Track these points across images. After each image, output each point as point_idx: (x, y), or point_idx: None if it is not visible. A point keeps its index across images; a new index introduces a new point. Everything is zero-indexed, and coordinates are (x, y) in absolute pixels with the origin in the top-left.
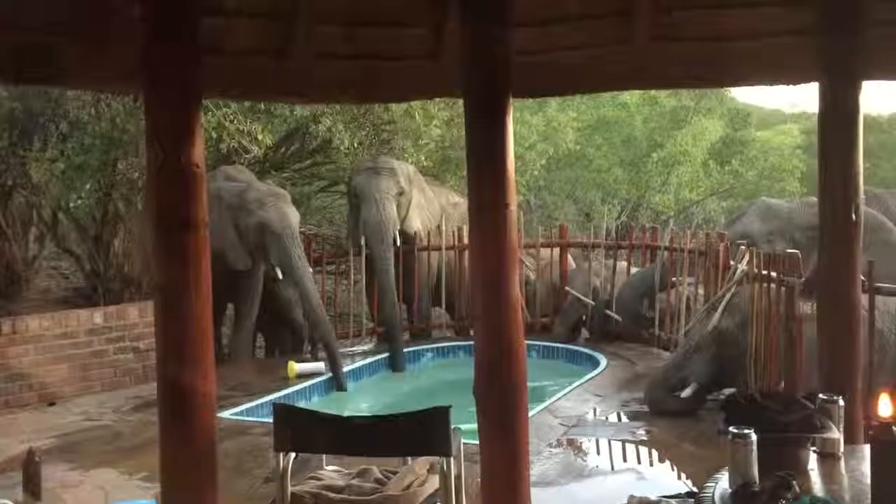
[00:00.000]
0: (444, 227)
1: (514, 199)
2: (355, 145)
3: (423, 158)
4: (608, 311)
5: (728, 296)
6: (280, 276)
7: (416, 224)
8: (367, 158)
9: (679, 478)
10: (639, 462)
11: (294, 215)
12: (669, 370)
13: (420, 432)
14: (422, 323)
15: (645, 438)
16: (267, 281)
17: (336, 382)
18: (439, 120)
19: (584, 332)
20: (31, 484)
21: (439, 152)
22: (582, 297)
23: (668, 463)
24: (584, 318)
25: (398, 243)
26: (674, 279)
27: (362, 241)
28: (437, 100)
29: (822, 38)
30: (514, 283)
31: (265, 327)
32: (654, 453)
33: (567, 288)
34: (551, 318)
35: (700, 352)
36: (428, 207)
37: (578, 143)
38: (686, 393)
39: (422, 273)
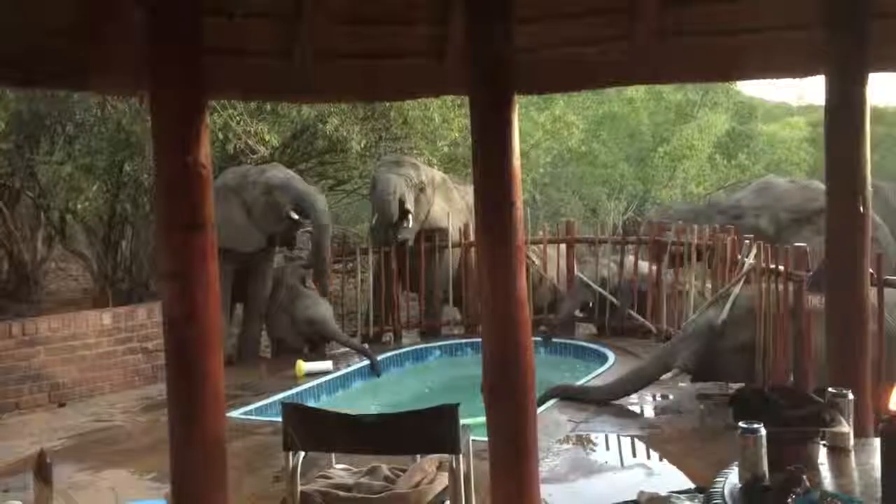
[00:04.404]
0: (451, 226)
1: (520, 197)
2: (362, 146)
3: (434, 160)
4: (612, 297)
5: (737, 289)
6: (296, 216)
7: (442, 224)
8: (392, 155)
9: (688, 473)
10: (648, 457)
11: (296, 175)
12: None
13: (428, 430)
14: (432, 320)
15: (654, 434)
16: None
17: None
18: (456, 125)
19: (592, 328)
20: (42, 485)
21: (448, 149)
22: (591, 283)
23: (677, 458)
24: (590, 304)
25: (409, 225)
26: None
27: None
28: (457, 105)
29: (827, 30)
30: (522, 280)
31: (270, 326)
32: (663, 448)
33: (577, 273)
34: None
35: (690, 341)
36: (453, 211)
37: (584, 139)
38: (667, 376)
39: (433, 270)
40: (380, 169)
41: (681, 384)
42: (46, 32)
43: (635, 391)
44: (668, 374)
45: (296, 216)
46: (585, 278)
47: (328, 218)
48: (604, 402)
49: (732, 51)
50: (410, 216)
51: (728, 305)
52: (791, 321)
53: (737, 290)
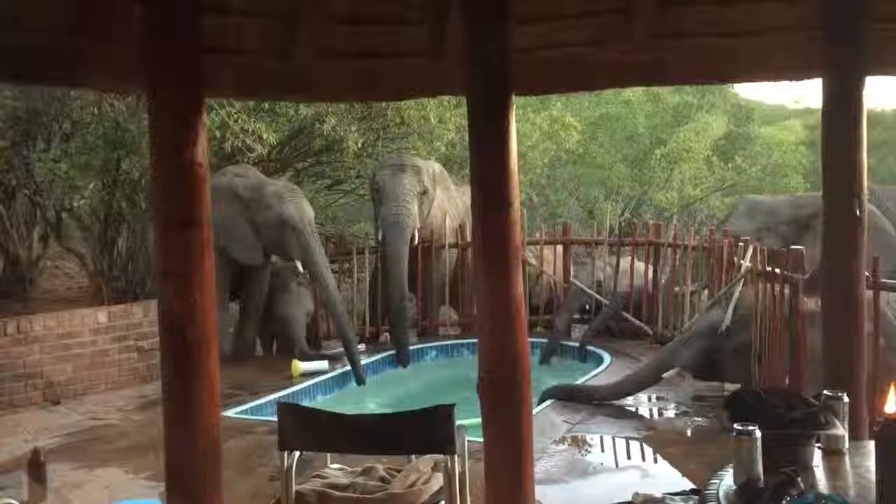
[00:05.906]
0: (447, 227)
1: (517, 198)
2: (359, 145)
3: (432, 160)
4: (604, 299)
5: (737, 291)
6: (301, 269)
7: (439, 222)
8: (393, 156)
9: (683, 475)
10: (643, 459)
11: (310, 210)
12: (665, 356)
13: (424, 430)
14: (428, 321)
15: (649, 435)
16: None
17: (355, 376)
18: (453, 124)
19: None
20: (37, 483)
21: (444, 150)
22: (585, 288)
23: (672, 460)
24: (586, 307)
25: (416, 241)
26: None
27: (379, 236)
28: (453, 105)
29: (825, 33)
30: (518, 281)
31: (266, 325)
32: (659, 450)
33: (572, 279)
34: (554, 315)
35: (694, 340)
36: (451, 208)
37: (581, 141)
38: (669, 374)
39: (430, 270)
40: (383, 176)
41: (677, 386)
42: (44, 29)
43: (639, 391)
44: (671, 372)
45: (302, 271)
46: (580, 284)
47: (333, 283)
48: (606, 401)
49: (730, 53)
50: (415, 230)
51: (731, 307)
52: (787, 323)
53: (737, 291)
